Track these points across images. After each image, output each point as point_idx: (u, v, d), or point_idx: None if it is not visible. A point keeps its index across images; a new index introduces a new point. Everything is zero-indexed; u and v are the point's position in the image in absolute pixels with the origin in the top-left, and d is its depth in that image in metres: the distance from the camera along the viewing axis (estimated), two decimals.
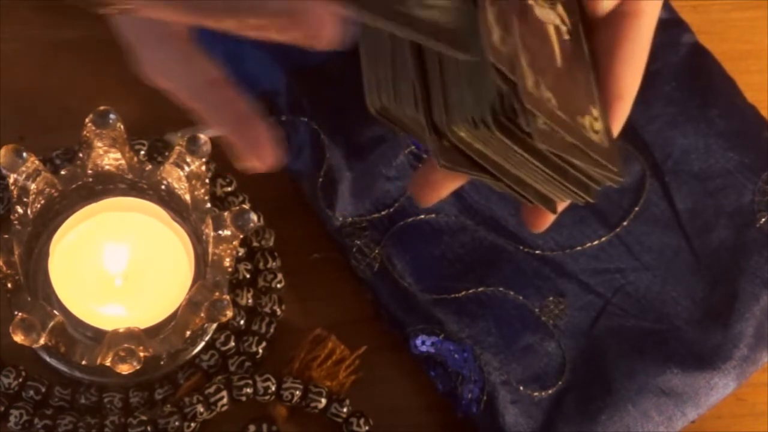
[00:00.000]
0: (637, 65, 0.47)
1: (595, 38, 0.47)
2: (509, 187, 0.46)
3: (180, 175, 0.54)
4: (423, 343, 0.57)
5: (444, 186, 0.49)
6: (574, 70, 0.45)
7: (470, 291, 0.58)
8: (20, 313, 0.49)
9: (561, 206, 0.49)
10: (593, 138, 0.44)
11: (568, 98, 0.43)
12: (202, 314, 0.51)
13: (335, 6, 0.40)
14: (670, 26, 0.64)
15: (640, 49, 0.47)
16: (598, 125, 0.45)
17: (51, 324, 0.50)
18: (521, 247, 0.59)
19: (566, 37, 0.46)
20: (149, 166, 0.55)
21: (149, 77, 0.47)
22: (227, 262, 0.53)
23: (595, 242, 0.60)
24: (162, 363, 0.55)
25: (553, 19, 0.45)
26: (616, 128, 0.47)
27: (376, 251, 0.58)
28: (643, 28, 0.47)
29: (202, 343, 0.56)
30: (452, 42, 0.41)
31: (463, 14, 0.42)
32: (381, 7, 0.41)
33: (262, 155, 0.46)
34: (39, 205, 0.54)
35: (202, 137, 0.53)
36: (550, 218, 0.49)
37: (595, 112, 0.45)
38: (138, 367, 0.50)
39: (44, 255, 0.54)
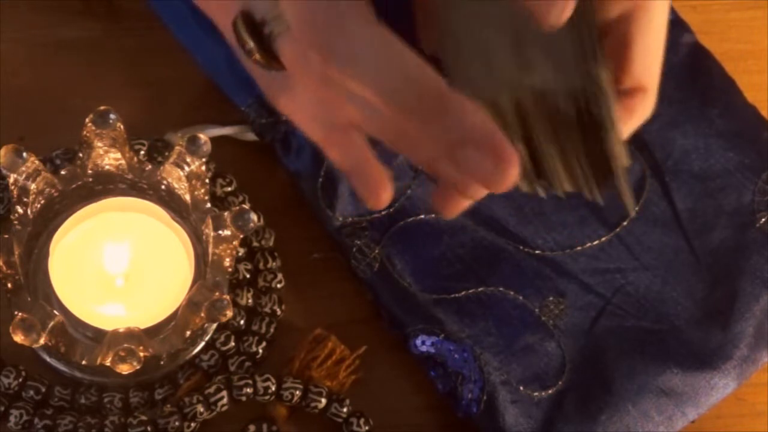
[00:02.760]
0: (655, 54, 0.48)
1: (609, 36, 0.47)
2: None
3: (180, 175, 0.54)
4: (423, 343, 0.57)
5: (464, 199, 0.48)
6: None
7: (470, 291, 0.58)
8: (20, 313, 0.49)
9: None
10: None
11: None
12: (202, 314, 0.51)
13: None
14: (670, 26, 0.64)
15: (656, 37, 0.48)
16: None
17: (51, 324, 0.50)
18: (521, 247, 0.59)
19: None
20: (149, 166, 0.55)
21: (284, 111, 0.48)
22: (227, 262, 0.53)
23: (595, 242, 0.60)
24: (162, 363, 0.55)
25: None
26: (640, 118, 0.48)
27: (376, 251, 0.58)
28: (656, 15, 0.48)
29: (202, 343, 0.56)
30: None
31: None
32: None
33: (376, 199, 0.48)
34: (39, 205, 0.54)
35: (202, 137, 0.53)
36: (463, 204, 0.49)
37: None
38: (138, 367, 0.50)
39: (44, 255, 0.54)
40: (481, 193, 0.46)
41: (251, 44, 0.46)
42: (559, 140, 0.45)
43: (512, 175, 0.42)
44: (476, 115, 0.42)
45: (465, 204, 0.48)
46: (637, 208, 0.61)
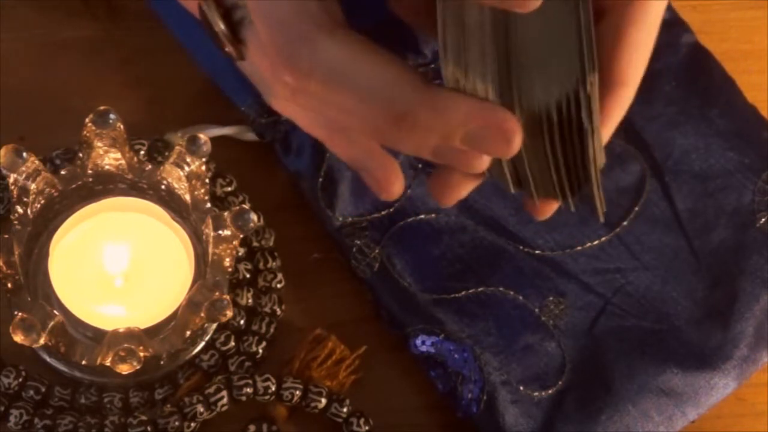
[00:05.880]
0: (643, 51, 0.46)
1: (599, 26, 0.46)
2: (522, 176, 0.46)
3: (180, 175, 0.54)
4: (423, 342, 0.57)
5: (463, 186, 0.48)
6: None
7: (470, 291, 0.58)
8: (20, 313, 0.49)
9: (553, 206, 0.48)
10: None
11: None
12: (202, 314, 0.51)
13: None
14: (670, 26, 0.64)
15: (647, 34, 0.46)
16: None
17: (51, 324, 0.50)
18: (521, 247, 0.59)
19: None
20: (149, 166, 0.55)
21: (281, 112, 0.48)
22: (227, 262, 0.53)
23: (595, 242, 0.60)
24: (162, 363, 0.55)
25: None
26: (617, 117, 0.47)
27: (376, 251, 0.58)
28: (652, 13, 0.46)
29: (202, 343, 0.56)
30: None
31: None
32: None
33: (388, 191, 0.48)
34: (39, 205, 0.54)
35: (202, 137, 0.53)
36: (462, 192, 0.49)
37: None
38: (138, 367, 0.50)
39: (44, 255, 0.54)
40: (482, 166, 0.46)
41: (221, 26, 0.45)
42: (537, 148, 0.44)
43: (517, 140, 0.42)
44: (465, 103, 0.42)
45: (463, 192, 0.48)
46: (637, 208, 0.61)
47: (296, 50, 0.43)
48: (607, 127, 0.47)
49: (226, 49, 0.46)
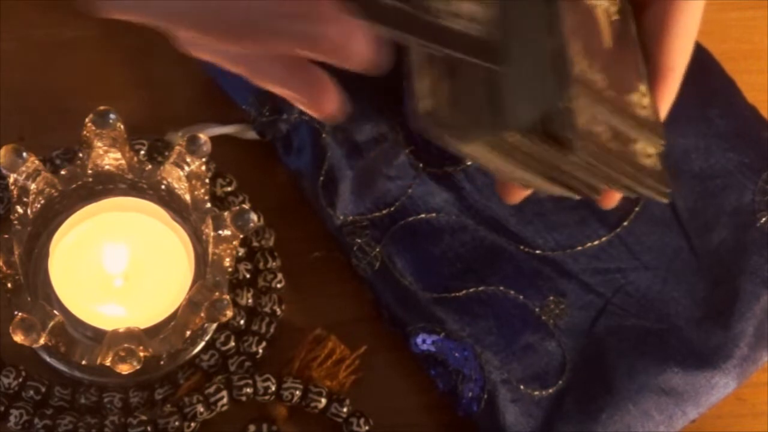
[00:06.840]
0: (688, 38, 0.48)
1: (645, 14, 0.47)
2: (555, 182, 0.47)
3: (180, 175, 0.54)
4: (424, 341, 0.57)
5: (524, 189, 0.49)
6: (622, 49, 0.46)
7: (471, 290, 0.58)
8: (20, 313, 0.49)
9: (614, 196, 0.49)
10: (641, 115, 0.46)
11: (617, 77, 0.45)
12: (202, 314, 0.51)
13: (361, 23, 0.39)
14: None
15: (691, 22, 0.48)
16: (646, 100, 0.46)
17: (51, 324, 0.50)
18: (521, 247, 0.59)
19: (615, 17, 0.46)
20: (149, 166, 0.55)
21: (190, 53, 0.46)
22: (227, 262, 0.53)
23: (596, 242, 0.60)
24: (162, 363, 0.55)
25: (601, 1, 0.46)
26: (668, 102, 0.48)
27: (377, 250, 0.58)
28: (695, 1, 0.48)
29: (202, 343, 0.56)
30: (486, 54, 0.40)
31: (496, 24, 0.41)
32: (403, 20, 0.40)
33: (320, 107, 0.44)
34: (39, 205, 0.54)
35: (202, 137, 0.53)
36: (525, 192, 0.49)
37: (643, 88, 0.47)
38: (138, 367, 0.50)
39: (44, 255, 0.54)
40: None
41: None
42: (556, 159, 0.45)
43: (358, 45, 0.39)
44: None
45: (525, 192, 0.50)
46: (637, 208, 0.61)
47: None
48: (661, 112, 0.48)
49: None
